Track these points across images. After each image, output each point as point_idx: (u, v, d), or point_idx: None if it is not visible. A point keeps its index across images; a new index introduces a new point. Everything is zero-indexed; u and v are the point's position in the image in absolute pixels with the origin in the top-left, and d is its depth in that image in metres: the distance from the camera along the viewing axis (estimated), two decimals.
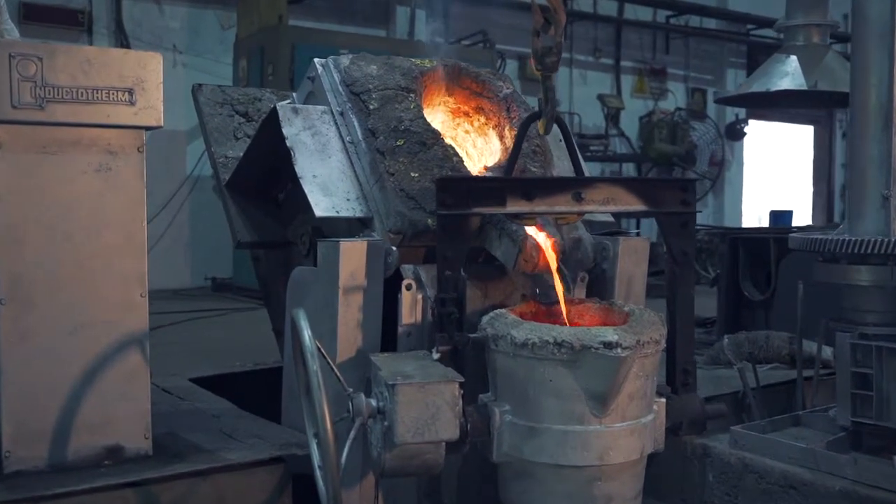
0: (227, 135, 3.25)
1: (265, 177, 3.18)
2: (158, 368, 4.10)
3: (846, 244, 2.98)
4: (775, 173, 15.73)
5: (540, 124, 2.75)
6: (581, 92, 13.13)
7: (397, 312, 2.64)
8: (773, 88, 4.81)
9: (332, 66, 3.03)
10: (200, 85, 3.33)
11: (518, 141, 2.76)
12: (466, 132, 3.25)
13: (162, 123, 2.56)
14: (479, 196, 2.47)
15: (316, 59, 3.06)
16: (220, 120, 3.27)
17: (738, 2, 14.28)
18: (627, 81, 13.96)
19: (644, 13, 13.66)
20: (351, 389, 2.28)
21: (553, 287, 2.68)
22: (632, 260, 2.98)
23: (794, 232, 3.94)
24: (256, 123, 3.30)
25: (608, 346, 2.23)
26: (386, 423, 2.22)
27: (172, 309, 6.74)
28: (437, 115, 3.19)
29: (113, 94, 2.47)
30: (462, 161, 2.92)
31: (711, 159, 13.79)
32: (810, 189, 15.98)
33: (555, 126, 2.79)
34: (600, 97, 13.39)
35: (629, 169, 13.60)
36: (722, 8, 14.34)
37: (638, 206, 2.61)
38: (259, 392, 3.56)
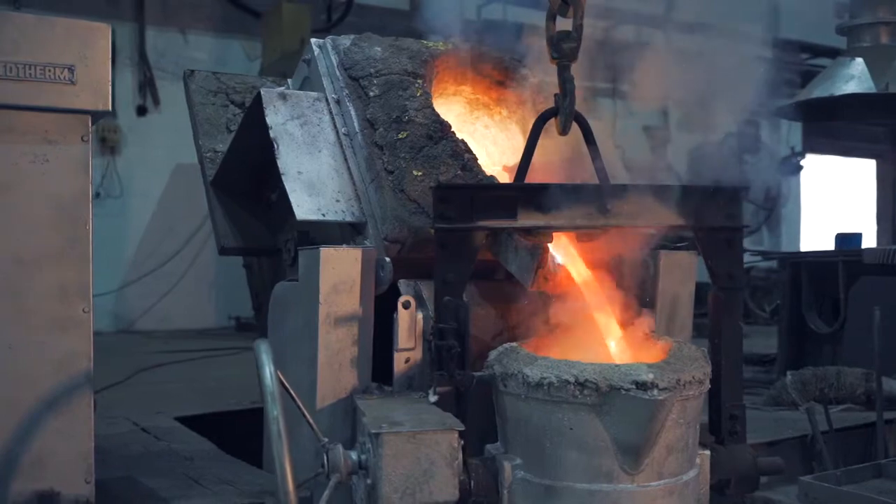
0: (218, 126, 2.93)
1: (254, 174, 2.83)
2: (148, 406, 3.74)
3: None
4: (836, 212, 14.91)
5: (556, 122, 2.39)
6: (625, 124, 12.67)
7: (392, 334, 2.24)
8: (838, 93, 4.32)
9: (329, 48, 2.67)
10: (193, 71, 2.98)
11: (531, 142, 2.40)
12: (486, 127, 2.86)
13: (109, 108, 2.19)
14: (485, 207, 2.13)
15: (313, 40, 2.69)
16: (212, 110, 2.94)
17: (790, 29, 13.78)
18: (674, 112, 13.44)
19: None
20: (326, 440, 1.91)
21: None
22: (676, 278, 2.58)
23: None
24: None
25: (641, 386, 1.86)
26: (369, 481, 1.85)
27: (186, 347, 6.35)
28: (453, 107, 2.79)
29: (50, 71, 2.11)
30: (475, 159, 2.52)
31: (766, 194, 13.21)
32: (874, 228, 15.12)
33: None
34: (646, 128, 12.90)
35: None
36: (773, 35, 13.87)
37: (674, 221, 2.28)
38: (249, 433, 3.14)
